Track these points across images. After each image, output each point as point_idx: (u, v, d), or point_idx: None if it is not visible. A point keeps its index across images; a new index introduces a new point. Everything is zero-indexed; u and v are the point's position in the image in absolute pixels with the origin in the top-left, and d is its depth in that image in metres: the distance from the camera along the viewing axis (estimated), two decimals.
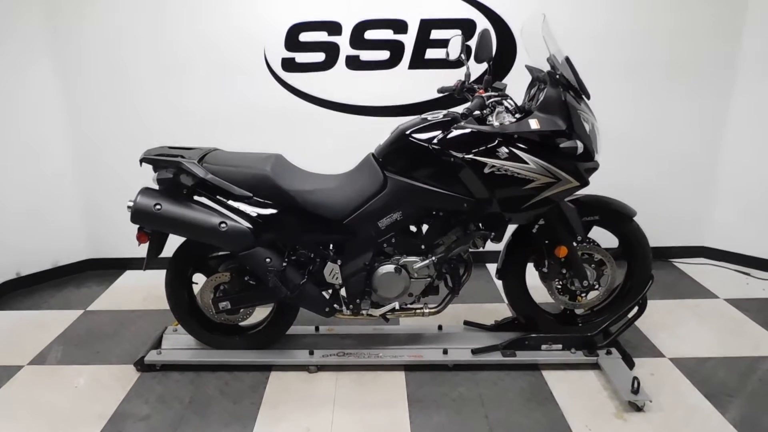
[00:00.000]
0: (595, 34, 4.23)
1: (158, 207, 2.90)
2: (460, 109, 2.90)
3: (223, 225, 2.90)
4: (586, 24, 4.21)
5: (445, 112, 2.94)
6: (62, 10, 4.16)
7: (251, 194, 2.95)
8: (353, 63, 4.29)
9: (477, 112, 2.91)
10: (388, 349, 3.27)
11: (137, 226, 2.99)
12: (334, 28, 4.22)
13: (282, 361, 3.22)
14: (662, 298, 4.02)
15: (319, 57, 4.28)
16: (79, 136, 4.42)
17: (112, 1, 4.16)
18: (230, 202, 2.97)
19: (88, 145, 4.43)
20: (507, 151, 2.83)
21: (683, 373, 3.15)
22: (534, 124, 2.86)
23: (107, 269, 4.68)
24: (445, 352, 3.22)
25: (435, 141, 2.88)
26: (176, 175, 2.94)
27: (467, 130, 2.88)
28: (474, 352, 3.21)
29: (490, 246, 3.17)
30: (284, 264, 3.00)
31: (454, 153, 2.85)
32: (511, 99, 3.03)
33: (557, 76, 2.90)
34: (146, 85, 4.32)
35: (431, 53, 4.26)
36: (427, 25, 4.22)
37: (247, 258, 2.98)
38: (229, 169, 2.96)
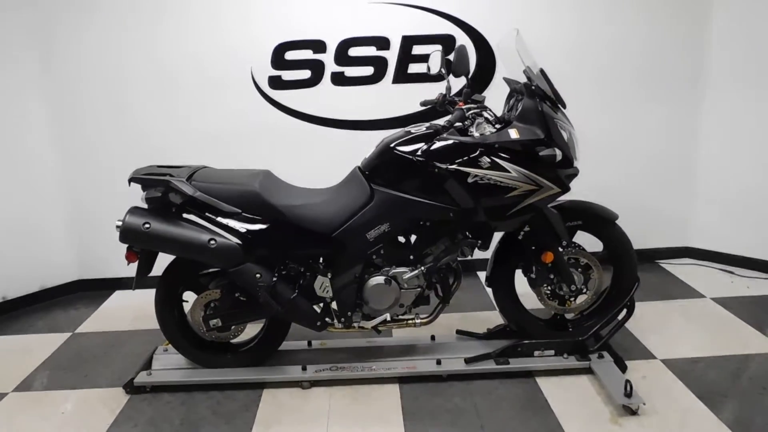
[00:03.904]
0: (572, 45, 4.33)
1: (147, 226, 2.90)
2: (442, 121, 2.96)
3: (212, 242, 2.90)
4: (563, 36, 4.32)
5: (428, 124, 3.00)
6: (54, 27, 4.18)
7: (240, 210, 2.96)
8: (338, 79, 4.34)
9: (458, 124, 2.98)
10: (382, 361, 3.27)
11: (126, 245, 2.99)
12: (319, 46, 4.28)
13: (274, 378, 3.20)
14: (651, 300, 4.06)
15: (305, 74, 4.33)
16: (67, 156, 4.40)
17: (103, 18, 4.19)
18: (219, 219, 2.98)
19: (75, 165, 4.42)
20: (489, 160, 2.89)
21: (675, 375, 3.17)
22: (514, 133, 2.93)
23: (96, 290, 4.63)
24: (438, 362, 3.22)
25: (419, 153, 2.93)
26: (165, 193, 2.95)
27: (450, 142, 2.94)
28: (467, 361, 3.21)
29: (480, 254, 3.20)
30: (274, 279, 2.99)
31: (438, 164, 2.91)
32: (491, 110, 3.10)
33: (533, 87, 2.98)
34: (135, 104, 4.34)
35: (414, 68, 4.33)
36: (408, 42, 4.30)
37: (238, 274, 2.98)
38: (217, 186, 2.97)
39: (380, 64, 4.32)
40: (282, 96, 4.37)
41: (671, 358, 3.33)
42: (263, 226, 2.97)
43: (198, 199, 2.92)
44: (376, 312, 3.14)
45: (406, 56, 4.31)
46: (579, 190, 3.94)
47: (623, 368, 3.17)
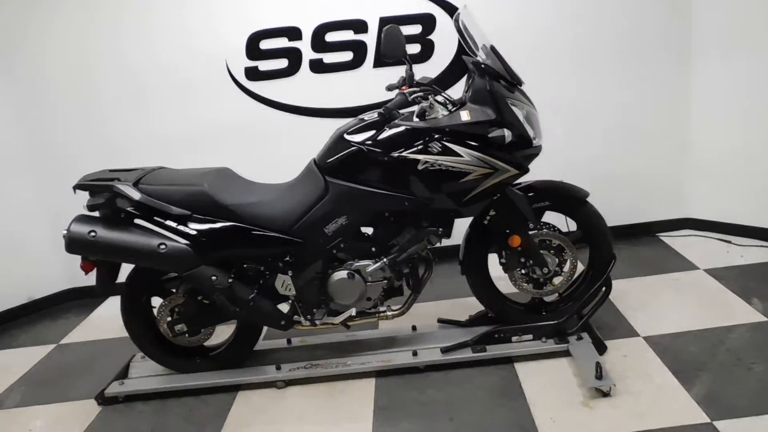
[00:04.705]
0: (557, 19, 4.22)
1: (93, 234, 2.87)
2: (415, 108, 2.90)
3: (162, 246, 2.87)
4: (549, 10, 4.20)
5: (381, 110, 2.87)
6: (20, 34, 4.17)
7: (189, 212, 2.93)
8: (317, 67, 4.28)
9: (416, 108, 2.89)
10: (357, 356, 3.25)
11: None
12: (294, 33, 4.22)
13: (248, 380, 3.18)
14: (643, 275, 3.99)
15: (282, 63, 4.27)
16: (43, 163, 4.40)
17: (68, 22, 4.17)
18: (168, 223, 2.94)
19: (52, 174, 4.39)
20: (440, 145, 2.82)
21: (656, 352, 3.11)
22: (465, 115, 2.86)
23: (89, 298, 4.59)
24: (414, 353, 3.19)
25: (369, 141, 2.87)
26: (112, 199, 2.92)
27: (400, 128, 2.88)
28: (443, 351, 3.18)
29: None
30: (230, 281, 2.97)
31: (387, 152, 2.85)
32: (443, 93, 3.03)
33: (482, 66, 2.88)
34: (112, 109, 4.33)
35: None
36: (386, 23, 4.12)
37: (192, 278, 2.96)
38: (165, 188, 2.95)
39: (359, 49, 4.24)
40: (260, 87, 4.32)
41: (653, 335, 3.27)
42: (215, 227, 2.94)
43: (143, 203, 2.89)
44: (343, 307, 3.11)
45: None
46: (572, 167, 3.91)
47: (603, 349, 3.12)
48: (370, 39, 4.22)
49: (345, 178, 2.93)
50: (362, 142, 2.88)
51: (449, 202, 2.95)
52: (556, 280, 3.25)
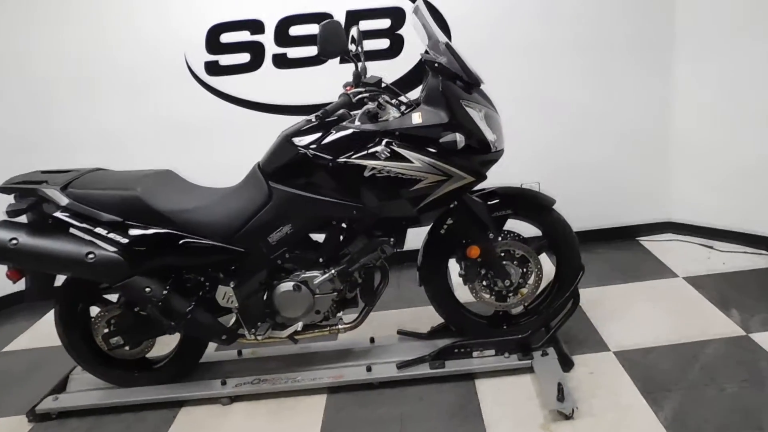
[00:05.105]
0: (539, 13, 4.04)
1: (15, 242, 2.67)
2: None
3: (91, 256, 2.66)
4: (525, 5, 4.03)
5: (318, 113, 2.65)
6: None
7: (121, 219, 2.73)
8: (281, 61, 4.09)
9: (367, 109, 2.70)
10: (308, 371, 3.06)
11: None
12: (256, 26, 4.03)
13: (191, 396, 3.00)
14: (621, 282, 3.81)
15: (244, 58, 4.08)
16: None
17: (17, 11, 3.97)
18: (98, 230, 2.72)
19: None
20: (388, 150, 2.61)
21: (625, 368, 2.93)
22: (417, 118, 2.66)
23: (42, 300, 4.31)
24: (369, 369, 3.00)
25: (313, 146, 2.67)
26: (37, 204, 2.73)
27: (348, 131, 2.68)
28: (399, 366, 2.99)
29: None
30: (165, 292, 2.78)
31: (333, 157, 2.65)
32: (399, 93, 2.86)
33: (435, 65, 2.67)
34: (64, 105, 4.13)
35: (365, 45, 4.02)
36: (353, 17, 4.01)
37: (125, 289, 2.77)
38: (95, 193, 2.75)
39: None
40: (221, 82, 4.12)
41: (625, 349, 3.09)
42: (149, 235, 2.74)
43: (70, 208, 2.70)
44: (290, 321, 2.92)
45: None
46: (548, 169, 3.76)
47: (569, 365, 2.95)
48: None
49: (289, 184, 2.73)
50: (307, 146, 2.68)
51: (401, 211, 2.75)
52: (521, 292, 3.05)
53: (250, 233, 2.77)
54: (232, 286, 2.84)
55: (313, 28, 4.00)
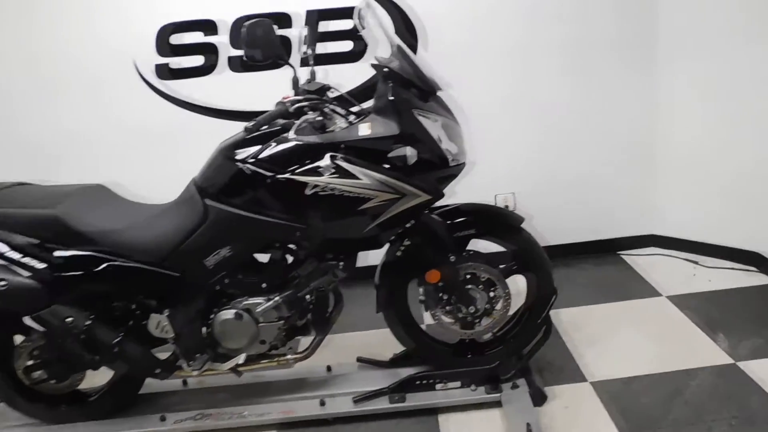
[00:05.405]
0: (524, 14, 3.80)
1: None
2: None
3: (2, 283, 2.37)
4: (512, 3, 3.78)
5: (248, 126, 2.36)
6: None
7: (38, 241, 2.44)
8: (238, 64, 3.81)
9: (311, 118, 2.40)
10: (257, 405, 2.77)
11: None
12: (209, 27, 3.74)
13: None
14: (601, 302, 3.56)
15: (197, 61, 3.80)
16: None
17: None
18: (11, 254, 2.42)
19: None
20: (333, 165, 2.32)
21: (603, 402, 2.68)
22: (365, 129, 2.38)
23: None
24: (322, 403, 2.72)
25: (251, 159, 2.38)
26: None
27: (289, 144, 2.38)
28: (355, 400, 2.72)
29: None
30: (88, 323, 2.48)
31: (272, 173, 2.36)
32: (350, 102, 2.58)
33: (385, 71, 2.39)
34: (12, 113, 3.83)
35: (329, 47, 3.78)
36: (315, 16, 3.74)
37: (43, 320, 2.47)
38: (10, 212, 2.46)
39: (285, 45, 3.73)
40: (175, 87, 3.83)
41: (603, 380, 2.84)
42: (69, 258, 2.44)
43: None
44: (232, 352, 2.63)
45: (314, 34, 3.72)
46: (525, 179, 3.72)
47: (542, 399, 2.68)
48: (296, 34, 3.74)
49: (226, 203, 2.43)
50: (244, 160, 2.38)
51: (350, 232, 2.47)
52: (488, 318, 2.77)
53: (185, 256, 2.48)
54: (166, 314, 2.54)
55: None
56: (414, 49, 3.77)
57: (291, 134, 2.35)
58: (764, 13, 3.40)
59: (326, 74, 3.55)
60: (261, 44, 2.28)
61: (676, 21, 3.70)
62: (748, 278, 3.63)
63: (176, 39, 3.75)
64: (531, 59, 3.84)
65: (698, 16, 3.65)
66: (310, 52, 2.60)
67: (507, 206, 3.96)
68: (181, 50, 3.77)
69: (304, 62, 2.61)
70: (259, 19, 2.31)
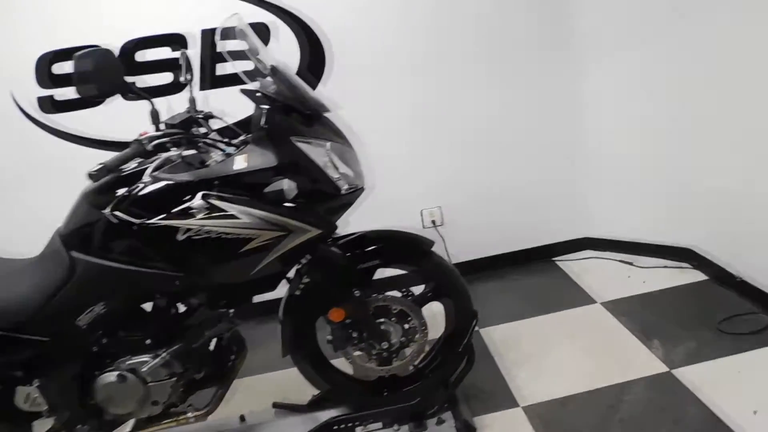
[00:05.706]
0: (436, 25, 3.62)
1: None
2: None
3: None
4: (416, 14, 3.60)
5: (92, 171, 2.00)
6: None
7: None
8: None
9: (184, 153, 2.16)
10: None
11: None
12: None
13: None
14: (535, 315, 3.39)
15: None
16: None
17: None
18: None
19: None
20: (206, 205, 2.07)
21: (535, 429, 2.50)
22: (241, 162, 2.14)
23: None
24: None
25: (116, 205, 2.10)
26: None
27: (159, 185, 2.12)
28: None
29: None
30: None
31: (138, 219, 2.08)
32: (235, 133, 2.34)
33: (257, 95, 2.15)
34: None
35: (226, 67, 3.54)
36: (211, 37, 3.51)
37: None
38: None
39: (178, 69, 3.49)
40: (62, 120, 3.53)
41: (536, 403, 2.67)
42: None
43: None
44: (121, 417, 2.35)
45: (210, 55, 3.52)
46: (450, 189, 3.66)
47: None
48: (194, 55, 3.48)
49: (94, 254, 2.15)
50: (106, 204, 2.11)
51: (235, 276, 2.21)
52: (406, 351, 2.55)
53: (52, 317, 2.18)
54: (36, 385, 2.23)
55: (165, 52, 3.50)
56: (322, 67, 3.57)
57: (146, 176, 2.09)
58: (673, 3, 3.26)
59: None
60: (95, 78, 1.99)
61: (590, 19, 3.58)
62: (682, 275, 3.50)
63: (58, 68, 3.46)
64: (448, 69, 3.67)
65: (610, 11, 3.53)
66: (189, 77, 2.34)
67: (434, 221, 3.80)
68: (62, 81, 3.47)
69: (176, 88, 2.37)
70: (92, 49, 2.01)
